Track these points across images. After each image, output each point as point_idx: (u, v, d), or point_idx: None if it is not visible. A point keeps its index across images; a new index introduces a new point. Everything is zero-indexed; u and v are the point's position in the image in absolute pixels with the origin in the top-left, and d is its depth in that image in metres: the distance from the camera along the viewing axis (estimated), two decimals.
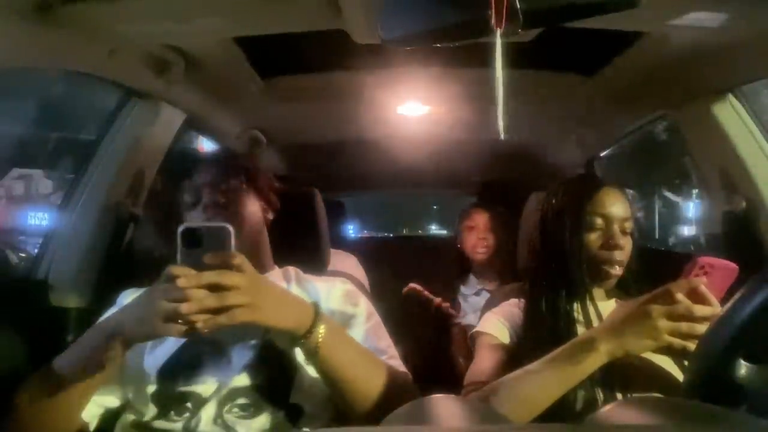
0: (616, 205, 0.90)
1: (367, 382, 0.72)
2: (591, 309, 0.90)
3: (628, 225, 0.91)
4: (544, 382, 0.72)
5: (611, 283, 0.92)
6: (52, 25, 0.81)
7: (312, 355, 0.69)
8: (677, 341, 0.67)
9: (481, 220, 1.75)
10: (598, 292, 0.94)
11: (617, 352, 0.70)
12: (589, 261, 0.89)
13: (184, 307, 0.59)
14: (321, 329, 0.68)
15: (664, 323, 0.68)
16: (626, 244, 0.90)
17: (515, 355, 0.86)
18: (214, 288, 0.61)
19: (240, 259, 0.63)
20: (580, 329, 0.88)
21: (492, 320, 0.94)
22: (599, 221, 0.90)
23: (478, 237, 1.73)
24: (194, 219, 0.86)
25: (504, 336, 0.91)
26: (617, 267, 0.89)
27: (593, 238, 0.89)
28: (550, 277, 0.93)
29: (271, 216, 0.96)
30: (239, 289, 0.62)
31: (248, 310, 0.62)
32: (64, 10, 0.80)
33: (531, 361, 0.76)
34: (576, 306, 0.90)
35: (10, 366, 0.92)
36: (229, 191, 0.88)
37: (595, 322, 0.88)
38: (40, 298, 1.13)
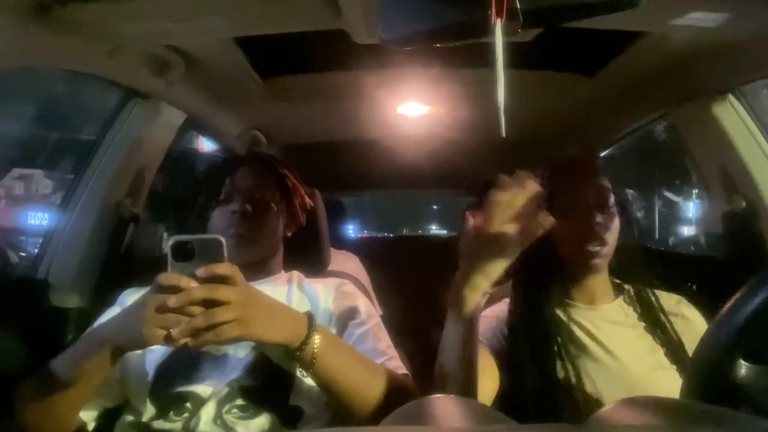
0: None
1: (366, 390, 0.71)
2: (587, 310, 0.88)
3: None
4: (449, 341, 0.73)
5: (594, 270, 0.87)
6: (52, 25, 0.81)
7: (308, 367, 0.68)
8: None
9: None
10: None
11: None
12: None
13: (171, 323, 0.59)
14: (316, 340, 0.67)
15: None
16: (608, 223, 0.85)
17: (502, 357, 0.85)
18: (205, 302, 0.60)
19: (231, 271, 0.62)
20: (580, 332, 0.86)
21: (482, 321, 0.92)
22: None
23: None
24: (215, 217, 0.89)
25: (493, 338, 0.89)
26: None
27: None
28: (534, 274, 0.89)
29: (290, 232, 0.97)
30: (229, 304, 0.60)
31: (237, 325, 0.61)
32: (64, 11, 0.80)
33: (518, 363, 0.76)
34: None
35: (10, 366, 0.92)
36: (261, 204, 0.89)
37: (593, 327, 0.86)
38: (40, 298, 1.13)
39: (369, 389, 0.71)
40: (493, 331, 0.90)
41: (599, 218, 0.84)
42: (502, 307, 0.95)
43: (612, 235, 0.85)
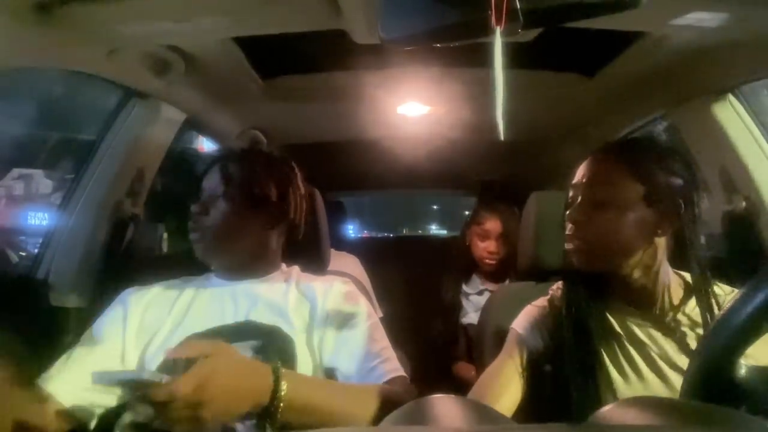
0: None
1: (349, 418, 0.69)
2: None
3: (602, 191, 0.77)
4: None
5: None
6: (51, 25, 0.81)
7: (275, 415, 0.66)
8: None
9: (493, 228, 1.72)
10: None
11: None
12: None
13: None
14: (283, 387, 0.65)
15: None
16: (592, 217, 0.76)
17: (540, 360, 0.81)
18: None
19: (177, 386, 0.59)
20: (629, 342, 0.77)
21: (528, 319, 0.86)
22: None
23: (488, 249, 1.72)
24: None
25: (536, 341, 0.83)
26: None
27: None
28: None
29: (273, 228, 0.92)
30: (178, 402, 0.59)
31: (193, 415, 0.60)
32: (64, 11, 0.80)
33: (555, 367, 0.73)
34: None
35: (10, 366, 0.92)
36: (219, 203, 0.87)
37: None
38: (40, 298, 1.13)
39: (353, 417, 0.69)
40: (536, 326, 0.85)
41: (572, 212, 0.79)
42: (539, 309, 0.88)
43: (603, 231, 0.75)
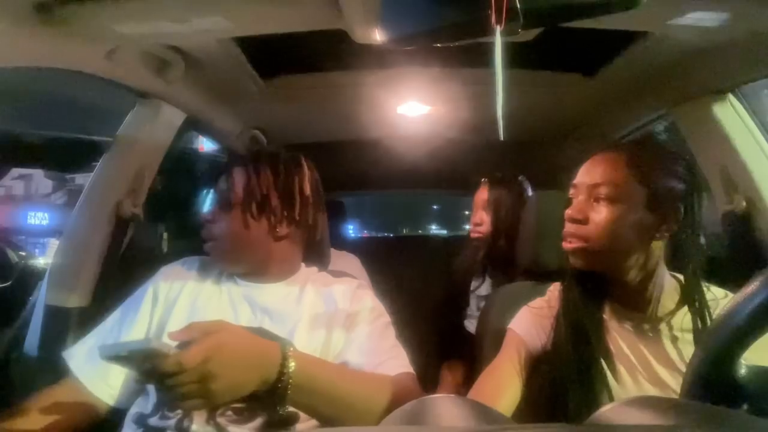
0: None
1: (359, 403, 0.69)
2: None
3: (603, 191, 0.76)
4: None
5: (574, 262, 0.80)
6: (51, 25, 0.81)
7: (283, 394, 0.66)
8: None
9: (479, 198, 1.65)
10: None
11: None
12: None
13: None
14: (291, 365, 0.65)
15: None
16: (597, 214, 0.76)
17: (539, 361, 0.82)
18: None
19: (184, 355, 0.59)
20: (625, 347, 0.77)
21: (527, 320, 0.87)
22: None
23: (473, 220, 1.65)
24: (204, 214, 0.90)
25: (534, 342, 0.84)
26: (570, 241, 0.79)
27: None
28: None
29: (284, 232, 0.90)
30: (183, 374, 0.59)
31: (201, 389, 0.60)
32: (64, 11, 0.80)
33: (555, 369, 0.74)
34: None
35: (10, 365, 0.92)
36: (226, 210, 0.88)
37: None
38: (40, 298, 1.13)
39: (361, 403, 0.70)
40: (534, 326, 0.85)
41: (572, 211, 0.78)
42: (549, 301, 0.89)
43: (601, 231, 0.75)
